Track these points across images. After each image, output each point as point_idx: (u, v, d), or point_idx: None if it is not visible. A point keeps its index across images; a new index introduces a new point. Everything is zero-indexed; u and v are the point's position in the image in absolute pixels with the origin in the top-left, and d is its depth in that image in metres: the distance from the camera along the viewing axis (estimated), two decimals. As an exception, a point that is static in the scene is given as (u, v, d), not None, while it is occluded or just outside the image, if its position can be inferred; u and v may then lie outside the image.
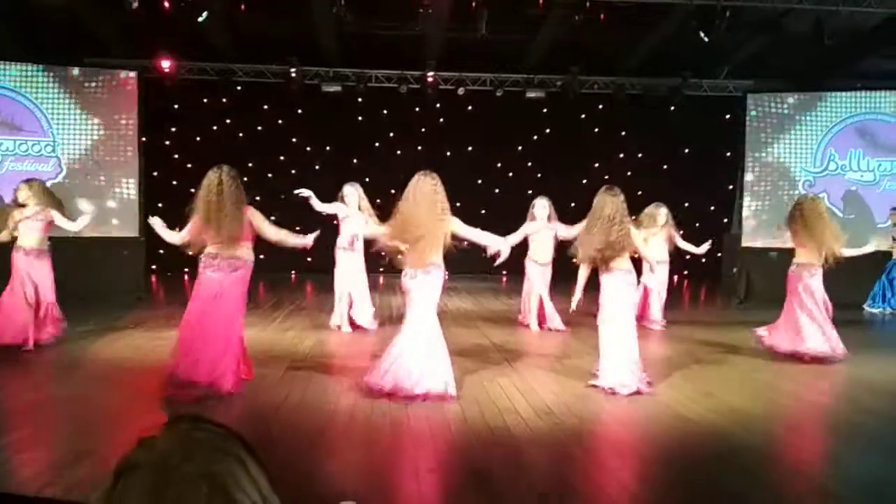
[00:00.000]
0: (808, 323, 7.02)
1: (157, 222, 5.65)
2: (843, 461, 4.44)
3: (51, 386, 5.76)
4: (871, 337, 9.22)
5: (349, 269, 8.37)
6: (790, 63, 12.31)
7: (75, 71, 11.62)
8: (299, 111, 14.64)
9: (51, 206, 7.12)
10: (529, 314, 8.93)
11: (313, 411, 5.01)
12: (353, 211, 8.24)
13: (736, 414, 5.12)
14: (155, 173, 13.55)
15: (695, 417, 5.02)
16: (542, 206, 8.82)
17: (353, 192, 8.32)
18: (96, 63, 11.82)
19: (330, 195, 8.44)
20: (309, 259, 11.95)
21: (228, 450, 0.87)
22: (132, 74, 11.90)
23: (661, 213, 9.02)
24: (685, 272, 15.28)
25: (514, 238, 7.56)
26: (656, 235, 8.76)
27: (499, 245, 5.66)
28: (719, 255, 13.65)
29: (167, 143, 14.31)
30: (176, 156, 14.47)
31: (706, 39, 10.42)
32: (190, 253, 5.57)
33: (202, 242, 5.45)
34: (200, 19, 10.25)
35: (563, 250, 7.02)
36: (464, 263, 10.74)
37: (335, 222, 8.51)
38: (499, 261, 5.63)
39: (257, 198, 12.66)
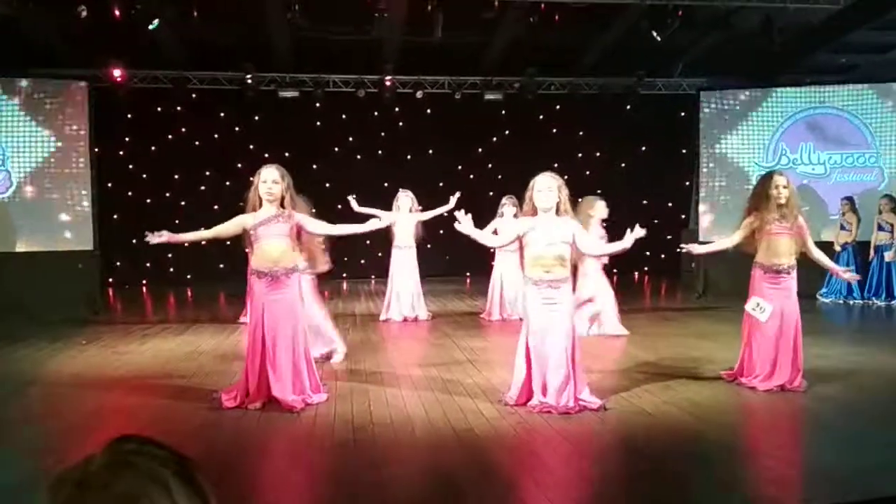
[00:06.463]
0: None
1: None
2: (801, 449, 4.54)
3: (5, 404, 5.61)
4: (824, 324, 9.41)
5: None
6: (741, 60, 12.55)
7: (23, 82, 11.35)
8: (256, 118, 14.49)
9: None
10: (494, 306, 9.65)
11: (271, 417, 4.96)
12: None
13: (694, 406, 5.19)
14: (109, 184, 13.32)
15: (652, 410, 5.09)
16: (511, 205, 9.14)
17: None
18: (45, 73, 11.55)
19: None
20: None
21: (157, 475, 0.87)
22: (82, 84, 11.67)
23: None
24: (645, 269, 15.50)
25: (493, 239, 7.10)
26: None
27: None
28: (678, 250, 13.83)
29: (121, 153, 14.06)
30: (130, 166, 14.24)
31: (658, 39, 10.57)
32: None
33: None
34: (151, 27, 10.09)
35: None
36: (430, 265, 10.75)
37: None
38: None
39: (215, 206, 12.60)
